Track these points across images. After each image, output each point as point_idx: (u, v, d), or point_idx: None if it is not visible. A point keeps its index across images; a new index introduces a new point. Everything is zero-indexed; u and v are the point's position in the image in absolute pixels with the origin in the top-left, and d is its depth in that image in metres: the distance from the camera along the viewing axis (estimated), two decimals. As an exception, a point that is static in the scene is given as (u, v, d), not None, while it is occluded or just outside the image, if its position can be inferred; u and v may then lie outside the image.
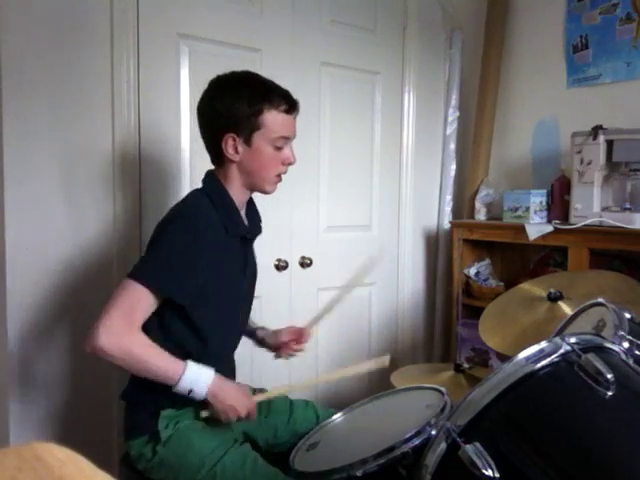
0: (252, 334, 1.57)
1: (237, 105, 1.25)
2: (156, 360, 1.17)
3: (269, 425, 1.43)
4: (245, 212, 1.40)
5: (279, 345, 1.54)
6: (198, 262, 1.22)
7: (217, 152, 1.31)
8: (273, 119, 1.27)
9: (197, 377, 1.18)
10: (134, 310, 1.16)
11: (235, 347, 1.45)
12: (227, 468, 1.22)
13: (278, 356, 1.55)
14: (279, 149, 1.30)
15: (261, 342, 1.57)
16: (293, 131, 1.33)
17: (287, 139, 1.32)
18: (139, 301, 1.17)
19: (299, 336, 1.53)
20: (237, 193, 1.33)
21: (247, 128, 1.27)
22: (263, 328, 1.59)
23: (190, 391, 1.18)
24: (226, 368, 1.38)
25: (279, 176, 1.34)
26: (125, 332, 1.14)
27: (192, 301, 1.24)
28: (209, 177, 1.35)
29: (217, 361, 1.29)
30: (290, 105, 1.30)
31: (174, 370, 1.17)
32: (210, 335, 1.30)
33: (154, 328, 1.25)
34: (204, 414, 1.25)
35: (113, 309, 1.14)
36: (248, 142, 1.28)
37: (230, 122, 1.26)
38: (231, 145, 1.28)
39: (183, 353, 1.24)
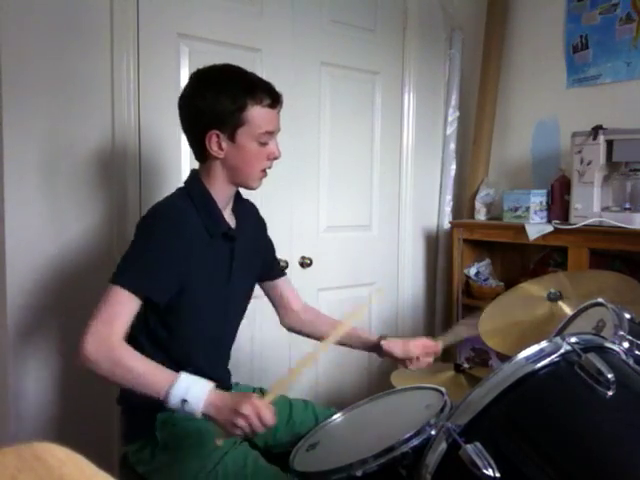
0: (372, 345, 1.48)
1: (220, 101, 1.22)
2: (146, 370, 1.11)
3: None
4: (232, 208, 1.38)
5: (410, 358, 1.44)
6: (175, 261, 1.20)
7: (200, 149, 1.28)
8: (257, 115, 1.24)
9: (191, 387, 1.08)
10: (119, 315, 1.13)
11: (229, 346, 1.42)
12: (228, 468, 1.21)
13: (405, 366, 1.47)
14: (264, 144, 1.28)
15: (386, 354, 1.46)
16: (277, 125, 1.30)
17: (272, 134, 1.28)
18: (122, 305, 1.14)
19: (429, 350, 1.45)
20: (221, 190, 1.30)
21: (231, 124, 1.23)
22: (385, 337, 1.48)
23: (184, 401, 1.07)
24: (219, 370, 1.36)
25: (264, 171, 1.32)
26: (112, 341, 1.10)
27: (171, 301, 1.21)
28: (192, 176, 1.33)
29: (207, 364, 1.27)
30: (274, 99, 1.26)
31: (166, 381, 1.09)
32: (196, 336, 1.27)
33: (141, 333, 1.24)
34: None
35: (98, 317, 1.11)
36: (232, 138, 1.25)
37: (213, 119, 1.23)
38: (215, 142, 1.24)
39: (170, 358, 1.23)
